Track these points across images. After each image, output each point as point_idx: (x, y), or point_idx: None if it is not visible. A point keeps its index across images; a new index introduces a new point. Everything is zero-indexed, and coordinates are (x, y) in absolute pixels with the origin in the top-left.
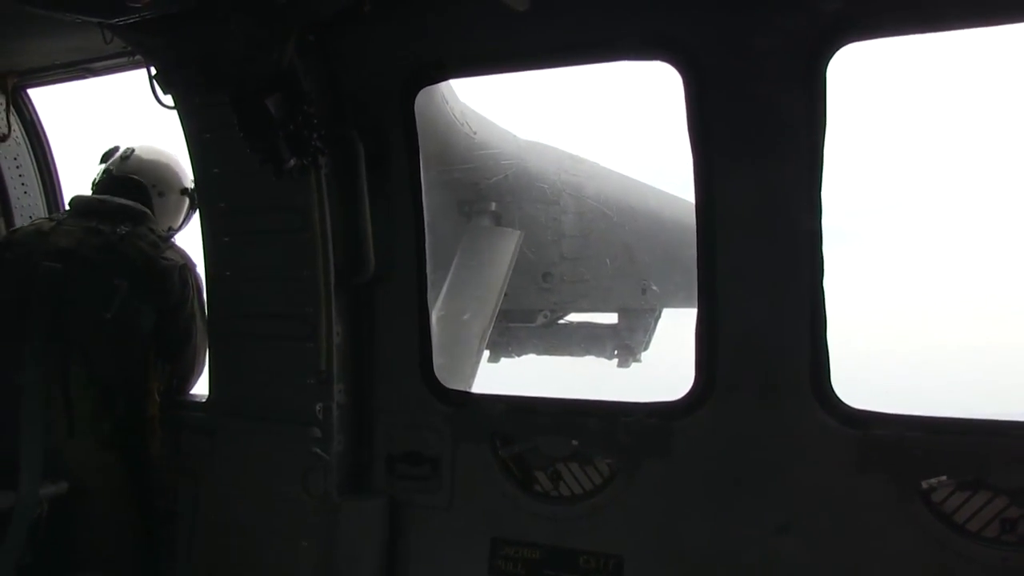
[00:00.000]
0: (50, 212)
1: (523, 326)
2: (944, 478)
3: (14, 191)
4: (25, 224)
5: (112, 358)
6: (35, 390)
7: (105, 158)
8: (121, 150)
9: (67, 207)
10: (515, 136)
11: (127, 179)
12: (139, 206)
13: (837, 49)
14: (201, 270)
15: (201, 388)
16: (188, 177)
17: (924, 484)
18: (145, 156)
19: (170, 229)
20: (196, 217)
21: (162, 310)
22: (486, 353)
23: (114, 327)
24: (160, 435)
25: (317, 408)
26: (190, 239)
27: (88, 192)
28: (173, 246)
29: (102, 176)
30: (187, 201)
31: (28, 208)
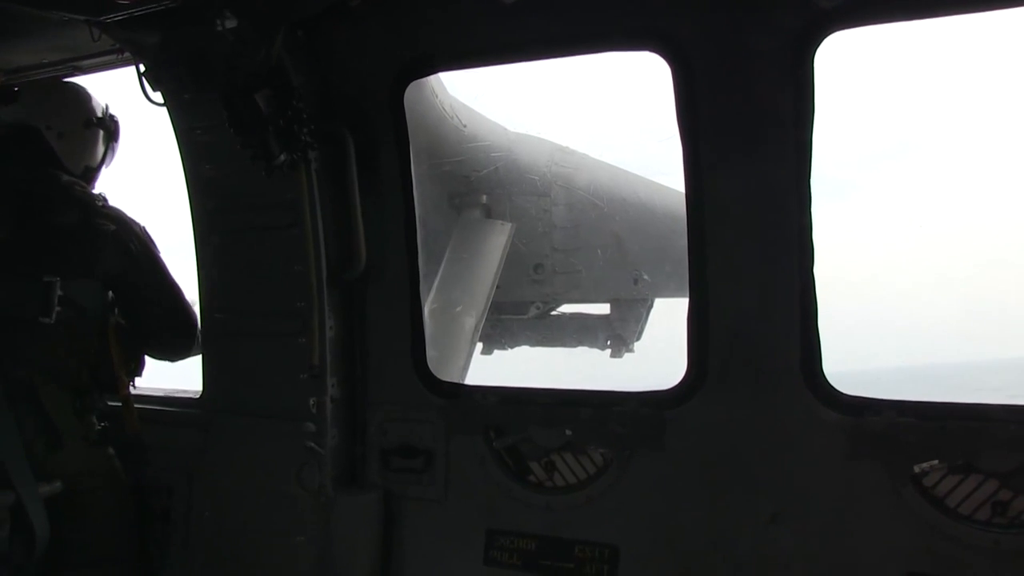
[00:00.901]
0: None
1: (515, 318)
2: (936, 462)
3: None
4: None
5: (73, 359)
6: (5, 423)
7: None
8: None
9: None
10: (505, 128)
11: (15, 126)
12: (55, 175)
13: (824, 38)
14: (192, 267)
15: (194, 384)
16: (98, 105)
17: (916, 469)
18: (30, 91)
19: (87, 169)
20: (187, 214)
21: (110, 281)
22: (479, 345)
23: (62, 328)
24: (135, 413)
25: (311, 403)
26: (179, 236)
27: None
28: (101, 210)
29: None
30: (100, 133)
31: None
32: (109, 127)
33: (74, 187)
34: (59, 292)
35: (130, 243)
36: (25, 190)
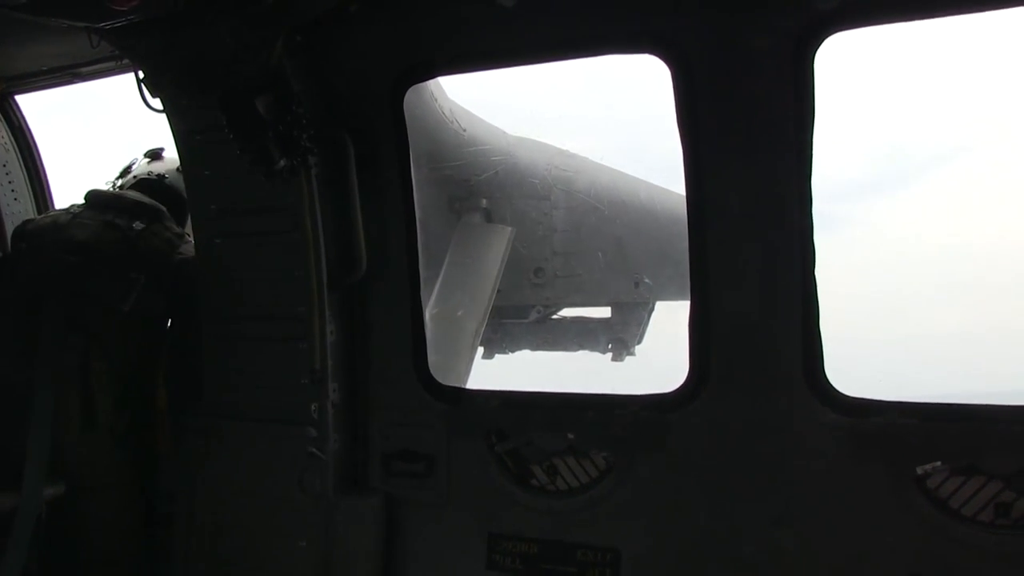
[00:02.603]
0: None
1: (516, 322)
2: (939, 464)
3: (4, 197)
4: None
5: (130, 352)
6: (46, 387)
7: (153, 155)
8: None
9: (83, 200)
10: (504, 132)
11: (178, 195)
12: (154, 203)
13: (824, 39)
14: None
15: None
16: None
17: (919, 470)
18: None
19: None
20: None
21: (181, 305)
22: (480, 349)
23: (131, 320)
24: (168, 431)
25: (312, 408)
26: None
27: (112, 181)
28: (188, 242)
29: (149, 176)
30: None
31: (18, 214)
32: None
33: (171, 223)
34: (140, 289)
35: (195, 273)
36: (139, 211)
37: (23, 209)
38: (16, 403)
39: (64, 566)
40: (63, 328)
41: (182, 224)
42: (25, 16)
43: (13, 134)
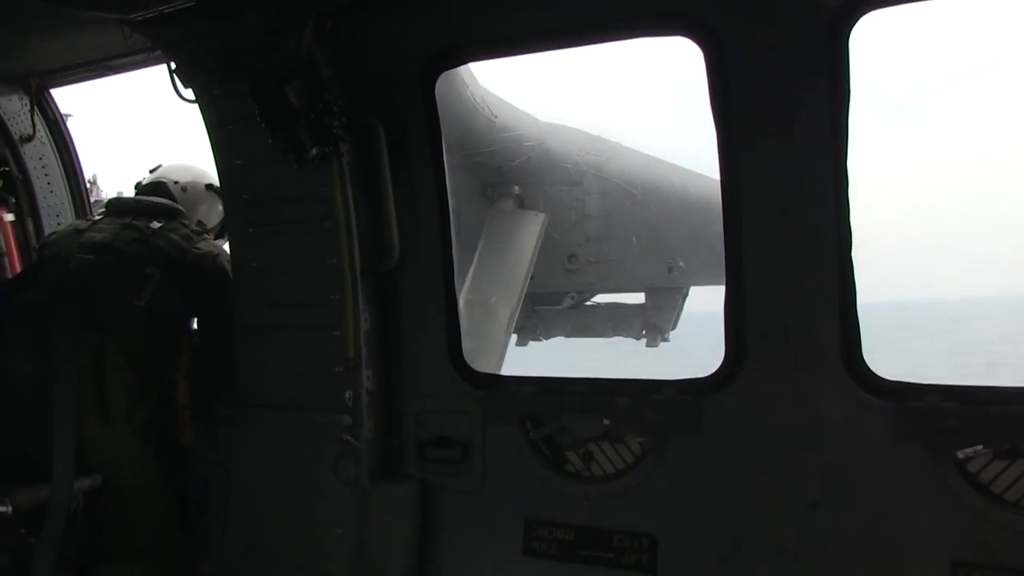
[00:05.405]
0: (76, 209)
1: (550, 309)
2: (980, 447)
3: (40, 190)
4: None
5: (146, 346)
6: (66, 380)
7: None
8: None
9: (104, 208)
10: (536, 118)
11: (152, 183)
12: (172, 203)
13: (858, 19)
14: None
15: None
16: (212, 176)
17: (960, 454)
18: (168, 164)
19: (200, 224)
20: None
21: (200, 300)
22: (513, 337)
23: (147, 315)
24: (191, 425)
25: (346, 395)
26: None
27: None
28: (207, 239)
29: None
30: (215, 196)
31: (55, 207)
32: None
33: (188, 221)
34: (156, 283)
35: (225, 269)
36: (157, 211)
37: (59, 202)
38: (42, 400)
39: (101, 556)
40: (78, 325)
41: None
42: (58, 9)
43: (49, 128)
